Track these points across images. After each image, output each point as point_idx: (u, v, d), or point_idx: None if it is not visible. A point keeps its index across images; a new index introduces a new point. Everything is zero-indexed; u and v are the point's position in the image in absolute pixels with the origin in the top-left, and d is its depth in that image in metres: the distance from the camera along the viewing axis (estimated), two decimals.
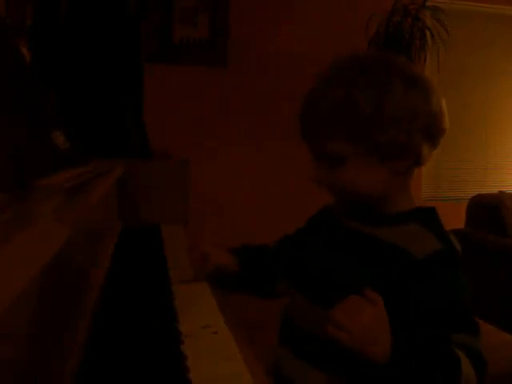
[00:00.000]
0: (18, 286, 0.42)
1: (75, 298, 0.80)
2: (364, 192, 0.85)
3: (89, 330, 0.76)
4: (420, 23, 3.28)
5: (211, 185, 3.34)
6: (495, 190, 2.97)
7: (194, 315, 0.84)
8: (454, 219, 2.90)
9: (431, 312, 0.78)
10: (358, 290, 0.78)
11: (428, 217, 0.87)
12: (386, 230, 0.85)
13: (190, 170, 1.91)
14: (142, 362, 0.65)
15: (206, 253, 1.02)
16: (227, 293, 1.02)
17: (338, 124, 0.82)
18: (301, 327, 0.93)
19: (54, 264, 0.56)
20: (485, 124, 4.10)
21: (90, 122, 1.73)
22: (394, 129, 0.80)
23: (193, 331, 0.77)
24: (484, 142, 4.12)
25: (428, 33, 3.28)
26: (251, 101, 3.45)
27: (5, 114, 0.62)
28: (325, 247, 0.94)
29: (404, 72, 0.83)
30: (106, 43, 1.83)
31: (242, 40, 3.41)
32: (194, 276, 1.03)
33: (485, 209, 2.76)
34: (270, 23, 3.47)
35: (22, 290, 0.43)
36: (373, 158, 0.82)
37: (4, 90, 0.68)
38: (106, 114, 1.82)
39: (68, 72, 1.74)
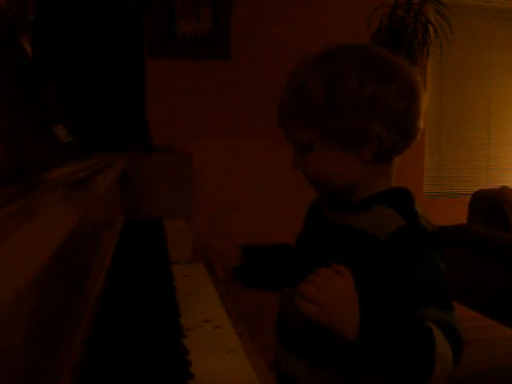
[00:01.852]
0: (21, 279, 0.42)
1: (78, 291, 0.80)
2: (332, 179, 0.86)
3: (91, 324, 0.76)
4: (423, 18, 3.27)
5: (214, 179, 3.34)
6: (498, 186, 2.97)
7: (195, 309, 0.85)
8: (457, 215, 2.90)
9: (400, 289, 0.77)
10: None
11: (395, 197, 0.86)
12: (355, 217, 0.86)
13: (193, 163, 1.91)
14: (144, 356, 0.65)
15: (211, 247, 1.05)
16: (240, 286, 1.03)
17: (296, 111, 0.84)
18: (290, 324, 0.93)
19: (56, 258, 0.56)
20: (487, 119, 4.09)
21: (92, 115, 1.73)
22: (347, 115, 0.80)
23: (194, 325, 0.77)
24: (487, 138, 4.11)
25: (431, 27, 3.27)
26: (254, 94, 3.44)
27: (7, 108, 0.62)
28: (308, 239, 0.96)
29: (364, 58, 0.83)
30: (108, 37, 1.83)
31: (245, 34, 3.40)
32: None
33: (487, 204, 2.76)
34: (273, 17, 3.46)
35: (25, 283, 0.43)
36: (336, 144, 0.83)
37: (6, 83, 0.68)
38: (109, 107, 1.82)
39: (70, 66, 1.74)
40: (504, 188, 2.84)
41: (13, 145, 0.56)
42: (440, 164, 3.95)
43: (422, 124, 0.86)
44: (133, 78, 1.92)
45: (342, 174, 0.85)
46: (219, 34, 3.35)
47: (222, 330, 0.77)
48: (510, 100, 4.13)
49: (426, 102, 0.86)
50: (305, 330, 0.78)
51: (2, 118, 0.58)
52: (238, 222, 3.32)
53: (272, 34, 3.44)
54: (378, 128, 0.81)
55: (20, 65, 0.87)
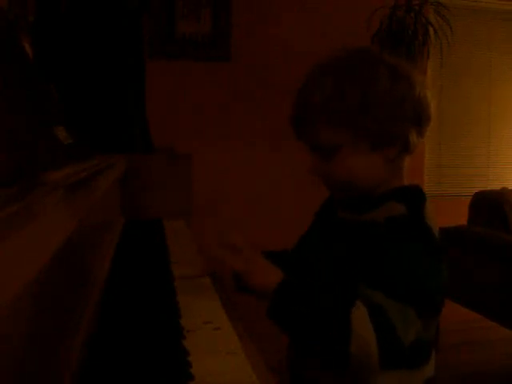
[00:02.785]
0: (20, 281, 0.42)
1: (78, 292, 0.80)
2: (359, 180, 0.87)
3: (91, 325, 0.76)
4: (423, 19, 3.27)
5: (214, 180, 3.34)
6: (498, 187, 2.97)
7: (196, 310, 0.85)
8: (457, 216, 2.90)
9: (373, 267, 0.79)
10: (343, 276, 0.84)
11: (407, 194, 0.88)
12: (371, 214, 0.87)
13: (193, 164, 1.91)
14: (144, 357, 0.65)
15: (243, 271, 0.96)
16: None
17: (328, 113, 0.85)
18: None
19: (56, 259, 0.56)
20: (488, 120, 4.09)
21: (92, 117, 1.73)
22: (380, 116, 0.83)
23: (195, 326, 0.77)
24: (487, 138, 4.11)
25: (431, 29, 3.27)
26: (254, 96, 3.44)
27: (7, 109, 0.62)
28: (319, 239, 0.96)
29: (389, 63, 0.87)
30: (108, 37, 1.83)
31: (245, 35, 3.40)
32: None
33: (487, 205, 2.76)
34: (273, 18, 3.46)
35: (25, 284, 0.43)
36: (364, 146, 0.85)
37: (6, 85, 0.68)
38: (109, 108, 1.82)
39: (70, 67, 1.74)
40: (504, 189, 2.84)
41: (13, 146, 0.56)
42: (440, 165, 3.95)
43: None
44: (133, 78, 1.92)
45: (370, 174, 0.87)
46: (219, 35, 3.35)
47: (223, 331, 0.77)
48: (510, 101, 4.13)
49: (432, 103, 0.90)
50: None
51: (3, 119, 0.58)
52: (238, 223, 3.32)
53: (272, 35, 3.44)
54: (405, 127, 0.85)
55: (20, 66, 0.87)
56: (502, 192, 2.77)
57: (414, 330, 0.76)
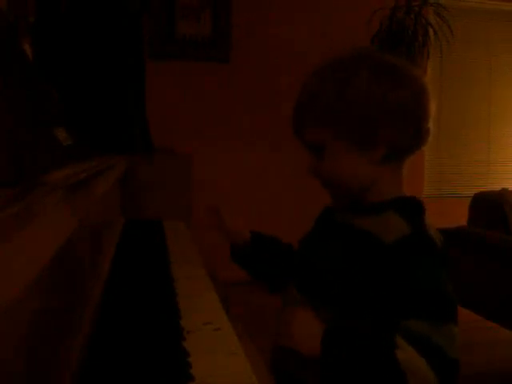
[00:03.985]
0: (21, 282, 0.42)
1: (78, 292, 0.80)
2: (344, 180, 0.86)
3: (91, 325, 0.76)
4: (423, 20, 3.27)
5: (214, 180, 3.34)
6: (498, 187, 2.96)
7: (196, 311, 0.85)
8: (457, 216, 2.90)
9: (396, 296, 0.77)
10: (338, 280, 0.84)
11: (406, 205, 0.87)
12: (364, 219, 0.87)
13: (193, 165, 1.92)
14: (144, 358, 0.65)
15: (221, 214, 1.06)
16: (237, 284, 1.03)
17: (311, 112, 0.86)
18: None
19: (57, 259, 0.56)
20: (488, 121, 4.09)
21: (92, 117, 1.73)
22: (359, 115, 0.82)
23: (195, 327, 0.77)
24: (487, 139, 4.11)
25: (431, 29, 3.27)
26: (253, 97, 3.44)
27: (7, 110, 0.62)
28: (315, 241, 0.96)
29: (376, 63, 0.85)
30: (108, 38, 1.83)
31: (244, 36, 3.40)
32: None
33: (487, 206, 2.75)
34: (272, 20, 3.46)
35: (26, 284, 0.43)
36: (346, 146, 0.84)
37: (6, 86, 0.68)
38: (109, 109, 1.82)
39: (70, 67, 1.74)
40: (504, 190, 2.84)
41: (13, 147, 0.56)
42: (440, 166, 3.95)
43: (431, 126, 0.87)
44: (133, 79, 1.92)
45: (354, 175, 0.86)
46: (219, 35, 3.35)
47: (222, 332, 0.77)
48: (510, 101, 4.13)
49: (434, 105, 0.87)
50: None
51: (3, 120, 0.58)
52: None
53: (272, 37, 3.44)
54: (388, 129, 0.82)
55: (20, 67, 0.87)
56: (502, 193, 2.77)
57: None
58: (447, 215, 3.35)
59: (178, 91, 3.32)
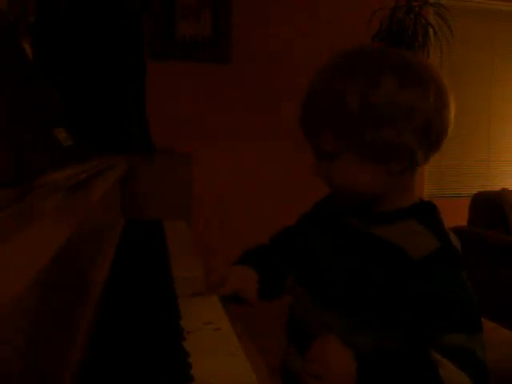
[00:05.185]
0: (21, 282, 0.42)
1: (78, 293, 0.80)
2: (357, 190, 0.83)
3: (91, 326, 0.76)
4: (423, 20, 3.27)
5: (213, 181, 3.34)
6: (498, 187, 2.96)
7: (196, 311, 0.85)
8: (457, 216, 2.90)
9: (429, 311, 0.76)
10: (356, 289, 0.81)
11: (426, 213, 0.85)
12: (383, 228, 0.84)
13: (193, 165, 1.92)
14: (144, 358, 0.65)
15: (225, 276, 0.95)
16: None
17: (328, 122, 0.80)
18: (304, 325, 0.93)
19: (57, 260, 0.56)
20: (488, 121, 4.09)
21: (92, 118, 1.73)
22: (383, 128, 0.76)
23: (195, 327, 0.77)
24: (487, 139, 4.11)
25: (431, 30, 3.27)
26: (253, 98, 3.44)
27: (6, 111, 0.62)
28: (326, 245, 0.93)
29: (398, 67, 0.78)
30: (108, 38, 1.83)
31: (245, 37, 3.40)
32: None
33: (487, 206, 2.75)
34: (273, 20, 3.46)
35: (25, 286, 0.43)
36: (364, 157, 0.79)
37: (6, 86, 0.68)
38: (109, 110, 1.82)
39: (70, 68, 1.74)
40: (504, 190, 2.84)
41: (13, 147, 0.56)
42: (440, 166, 3.95)
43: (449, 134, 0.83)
44: (133, 79, 1.92)
45: (369, 186, 0.82)
46: (219, 36, 3.35)
47: (223, 332, 0.77)
48: (510, 101, 4.13)
49: (453, 112, 0.82)
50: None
51: (3, 120, 0.58)
52: (237, 224, 3.33)
53: (272, 36, 3.44)
54: (412, 141, 0.77)
55: (20, 67, 0.87)
56: (502, 193, 2.77)
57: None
58: (447, 215, 3.34)
59: (177, 92, 3.32)
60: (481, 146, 4.10)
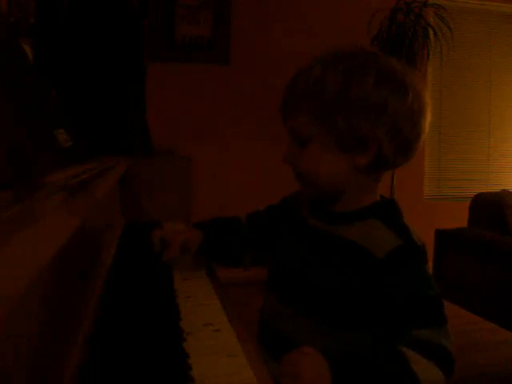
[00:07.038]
0: (21, 283, 0.42)
1: (78, 294, 0.80)
2: (321, 178, 0.84)
3: (91, 327, 0.76)
4: (423, 21, 3.28)
5: (213, 181, 3.34)
6: (498, 189, 2.97)
7: (196, 312, 0.85)
8: (457, 218, 2.90)
9: (395, 308, 0.78)
10: (320, 289, 0.83)
11: (387, 211, 0.87)
12: (345, 228, 0.86)
13: (192, 167, 1.92)
14: (144, 359, 0.65)
15: (166, 239, 1.04)
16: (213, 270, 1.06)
17: (307, 101, 0.83)
18: (273, 327, 0.93)
19: (57, 261, 0.56)
20: (488, 122, 4.10)
21: (92, 119, 1.73)
22: (355, 117, 0.79)
23: (195, 328, 0.77)
24: (487, 141, 4.11)
25: (431, 31, 3.27)
26: (253, 99, 3.45)
27: (7, 112, 0.62)
28: (292, 249, 0.94)
29: (381, 72, 0.82)
30: (109, 40, 1.83)
31: (245, 38, 3.41)
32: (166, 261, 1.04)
33: (487, 208, 2.76)
34: (273, 21, 3.46)
35: (25, 287, 0.43)
36: (334, 143, 0.82)
37: (7, 87, 0.68)
38: (109, 111, 1.82)
39: (71, 70, 1.74)
40: (504, 191, 2.84)
41: (13, 148, 0.56)
42: (440, 167, 3.95)
43: (421, 145, 0.86)
44: (133, 81, 1.92)
45: (331, 174, 0.84)
46: (219, 38, 3.35)
47: (223, 333, 0.77)
48: (510, 102, 4.13)
49: (428, 125, 0.85)
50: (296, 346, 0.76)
51: (3, 122, 0.58)
52: None
53: (271, 39, 3.45)
54: (381, 136, 0.80)
55: (21, 68, 0.87)
56: (502, 194, 2.77)
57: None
58: (447, 216, 3.35)
59: (177, 93, 3.32)
60: (481, 147, 4.10)
